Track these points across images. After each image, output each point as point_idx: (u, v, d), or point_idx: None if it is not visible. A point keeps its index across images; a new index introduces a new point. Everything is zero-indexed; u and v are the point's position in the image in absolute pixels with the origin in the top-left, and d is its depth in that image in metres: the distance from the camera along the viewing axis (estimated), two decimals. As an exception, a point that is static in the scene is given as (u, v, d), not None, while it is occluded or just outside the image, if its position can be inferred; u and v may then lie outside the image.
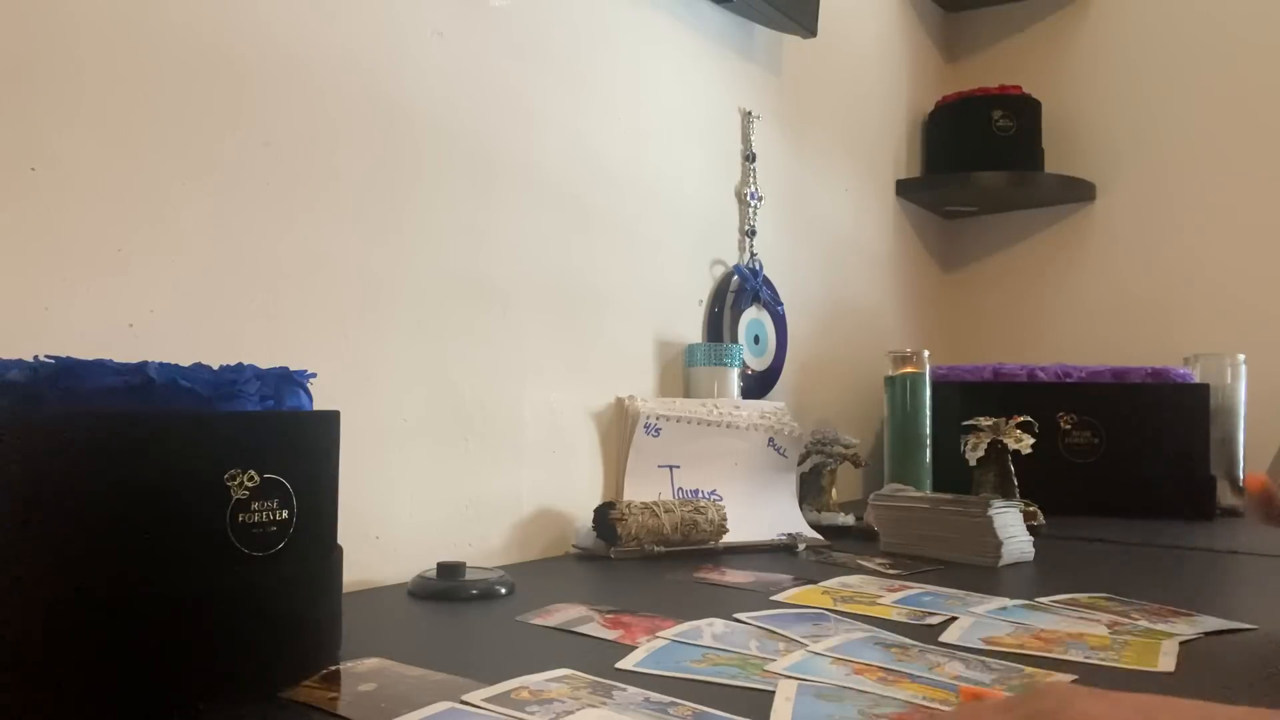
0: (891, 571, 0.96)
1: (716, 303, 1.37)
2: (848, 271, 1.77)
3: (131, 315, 0.73)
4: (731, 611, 0.74)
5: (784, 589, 0.85)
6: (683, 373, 1.30)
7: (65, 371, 0.50)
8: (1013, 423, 1.33)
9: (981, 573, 0.96)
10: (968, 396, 1.51)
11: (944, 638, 0.69)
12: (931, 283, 2.11)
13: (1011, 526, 1.03)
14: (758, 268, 1.42)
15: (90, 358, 0.52)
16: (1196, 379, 1.55)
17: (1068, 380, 1.55)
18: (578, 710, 0.51)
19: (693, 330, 1.34)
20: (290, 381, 0.58)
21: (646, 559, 1.02)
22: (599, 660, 0.61)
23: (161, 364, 0.52)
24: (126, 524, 0.48)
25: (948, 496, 1.08)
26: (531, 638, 0.69)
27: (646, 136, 1.26)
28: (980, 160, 1.93)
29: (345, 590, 0.63)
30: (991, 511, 1.01)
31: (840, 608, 0.78)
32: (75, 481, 0.48)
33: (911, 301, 2.01)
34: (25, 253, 0.67)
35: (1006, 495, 1.27)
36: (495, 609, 0.78)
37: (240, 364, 0.56)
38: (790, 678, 0.58)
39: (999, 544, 1.00)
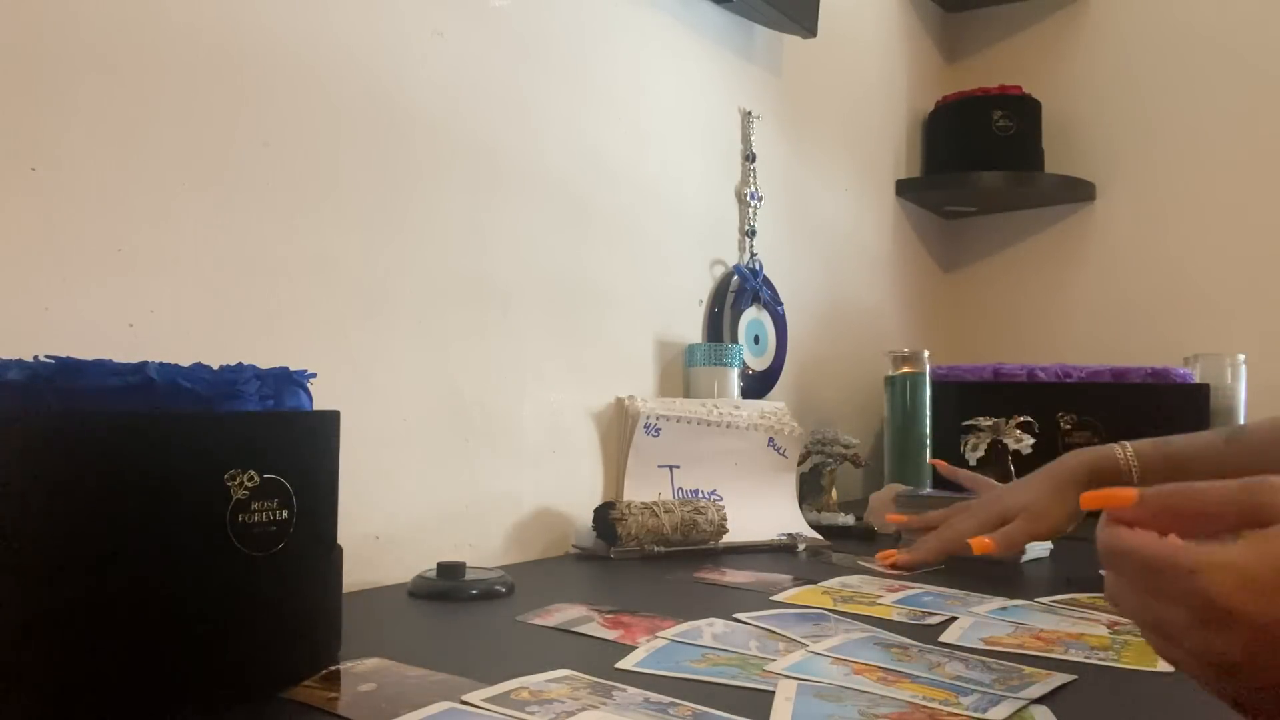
0: (891, 571, 0.96)
1: (716, 303, 1.37)
2: (848, 271, 1.77)
3: (131, 315, 0.73)
4: (731, 611, 0.74)
5: (784, 589, 0.85)
6: (683, 373, 1.30)
7: (65, 371, 0.50)
8: (1013, 423, 1.33)
9: (981, 573, 0.96)
10: (968, 396, 1.51)
11: (944, 638, 0.69)
12: (931, 283, 2.11)
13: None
14: (758, 268, 1.42)
15: (90, 358, 0.52)
16: (1196, 379, 1.55)
17: (1068, 380, 1.55)
18: (578, 710, 0.51)
19: (693, 330, 1.34)
20: (290, 381, 0.58)
21: (646, 559, 1.01)
22: (599, 660, 0.61)
23: (161, 364, 0.52)
24: (126, 524, 0.48)
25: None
26: (531, 638, 0.69)
27: (647, 136, 1.26)
28: (980, 160, 1.93)
29: (345, 590, 0.63)
30: None
31: (840, 608, 0.78)
32: (74, 481, 0.48)
33: (911, 301, 2.01)
34: (25, 253, 0.67)
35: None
36: (495, 609, 0.78)
37: (240, 364, 0.56)
38: (790, 678, 0.58)
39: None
